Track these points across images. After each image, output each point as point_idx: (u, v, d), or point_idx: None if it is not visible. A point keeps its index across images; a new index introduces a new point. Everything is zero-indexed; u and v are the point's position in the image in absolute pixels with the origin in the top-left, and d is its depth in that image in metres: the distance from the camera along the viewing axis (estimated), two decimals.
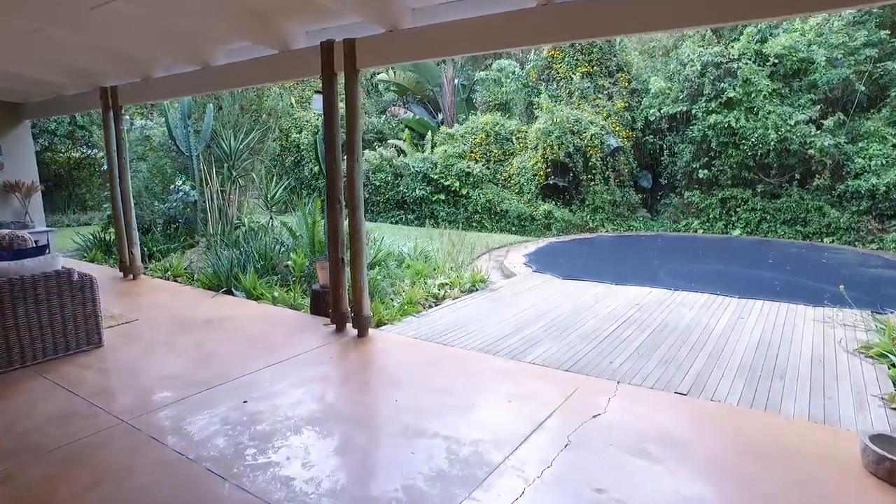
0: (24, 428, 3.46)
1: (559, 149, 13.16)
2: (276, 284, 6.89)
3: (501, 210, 13.41)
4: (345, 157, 4.78)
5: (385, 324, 5.52)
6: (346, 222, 5.03)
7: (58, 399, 3.86)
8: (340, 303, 5.10)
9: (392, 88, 18.09)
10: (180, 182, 9.48)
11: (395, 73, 16.96)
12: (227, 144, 9.53)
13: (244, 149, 9.83)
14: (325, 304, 5.48)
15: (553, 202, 13.54)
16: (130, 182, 7.71)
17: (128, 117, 6.91)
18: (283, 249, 7.77)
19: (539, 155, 13.43)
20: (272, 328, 5.31)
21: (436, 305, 6.31)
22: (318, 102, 5.46)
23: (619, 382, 4.00)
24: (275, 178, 9.88)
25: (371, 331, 5.08)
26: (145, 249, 8.99)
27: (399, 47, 4.33)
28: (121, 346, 4.88)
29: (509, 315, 5.91)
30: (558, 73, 14.54)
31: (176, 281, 7.54)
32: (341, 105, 4.73)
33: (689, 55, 12.99)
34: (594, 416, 3.45)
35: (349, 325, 5.10)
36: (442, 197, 13.92)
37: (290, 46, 4.95)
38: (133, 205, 7.60)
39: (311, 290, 5.90)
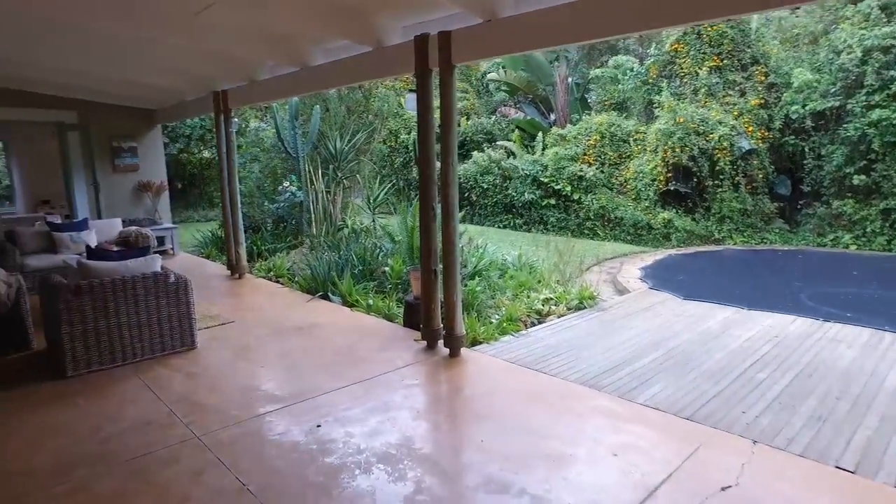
0: (108, 433, 3.42)
1: (682, 151, 11.96)
2: (372, 291, 6.69)
3: (616, 217, 12.47)
4: (440, 160, 4.39)
5: (481, 342, 5.06)
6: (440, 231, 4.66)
7: (144, 403, 3.82)
8: (432, 318, 4.72)
9: (503, 88, 17.63)
10: (287, 183, 9.66)
11: (505, 71, 16.47)
12: (333, 145, 9.58)
13: (350, 150, 9.84)
14: (418, 317, 5.14)
15: (673, 210, 12.36)
16: (239, 183, 7.92)
17: (236, 120, 7.03)
18: (381, 254, 7.59)
19: (659, 158, 12.31)
20: (361, 340, 5.06)
21: (538, 323, 5.75)
22: (412, 102, 5.16)
23: (755, 442, 3.23)
24: (379, 179, 9.79)
25: (464, 351, 4.65)
26: (254, 248, 9.25)
27: (497, 38, 3.86)
28: (212, 350, 4.85)
29: (620, 341, 5.21)
30: (682, 68, 13.25)
31: (277, 282, 7.60)
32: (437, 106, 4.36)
33: (845, 40, 11.25)
34: (723, 489, 2.76)
35: (441, 343, 4.71)
36: (552, 202, 13.23)
37: (384, 43, 4.66)
38: (240, 205, 7.77)
39: (405, 301, 5.60)
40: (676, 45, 13.35)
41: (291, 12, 4.41)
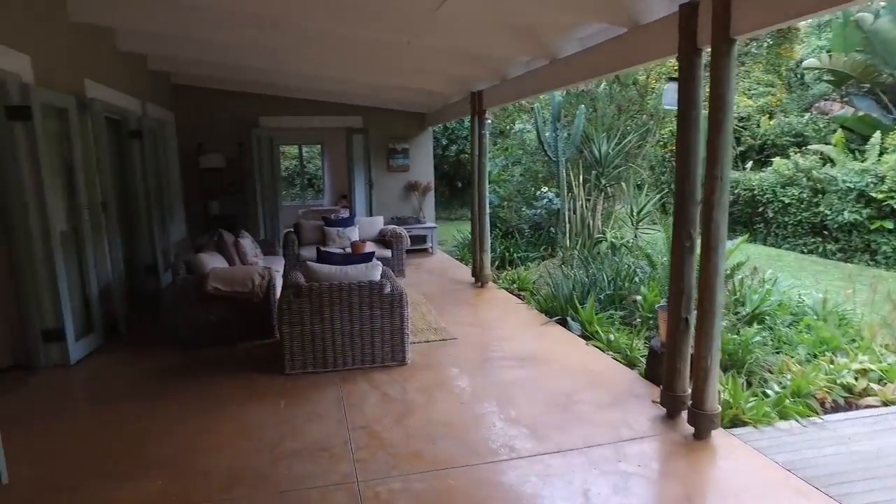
0: (284, 450, 3.25)
1: None
2: (617, 322, 5.65)
3: None
4: (704, 171, 3.19)
5: (745, 423, 3.62)
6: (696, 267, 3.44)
7: (330, 422, 3.60)
8: (676, 380, 3.55)
9: (825, 78, 14.10)
10: (546, 188, 9.05)
11: (830, 56, 13.09)
12: (598, 148, 8.63)
13: (617, 154, 8.76)
14: (662, 369, 3.98)
15: None
16: (498, 187, 7.62)
17: (490, 121, 6.67)
18: (636, 278, 6.43)
19: None
20: (587, 387, 4.13)
21: (845, 409, 3.98)
22: (669, 94, 3.93)
23: None
24: (646, 188, 8.51)
25: (717, 434, 3.36)
26: (506, 254, 8.91)
27: None
28: (419, 370, 4.49)
29: None
30: None
31: (518, 295, 7.06)
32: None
33: None
34: None
35: (685, 415, 3.50)
36: (887, 225, 9.98)
37: (640, 20, 3.62)
38: (488, 210, 7.42)
39: (650, 346, 4.46)
40: None
41: None
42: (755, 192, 11.49)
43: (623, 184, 8.94)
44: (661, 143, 10.88)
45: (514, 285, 7.38)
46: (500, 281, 7.69)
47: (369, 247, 7.80)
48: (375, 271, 4.54)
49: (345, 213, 10.85)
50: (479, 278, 7.39)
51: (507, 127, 9.87)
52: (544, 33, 4.71)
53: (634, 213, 8.29)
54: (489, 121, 6.87)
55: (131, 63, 7.00)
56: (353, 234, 8.02)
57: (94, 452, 3.30)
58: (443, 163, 16.05)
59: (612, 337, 5.17)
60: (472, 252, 7.65)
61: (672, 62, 3.83)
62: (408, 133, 10.23)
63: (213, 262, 5.46)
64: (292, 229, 8.36)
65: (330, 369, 4.40)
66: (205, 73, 8.24)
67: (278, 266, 6.73)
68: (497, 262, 8.83)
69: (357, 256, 4.86)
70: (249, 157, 9.30)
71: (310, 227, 8.22)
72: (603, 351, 4.99)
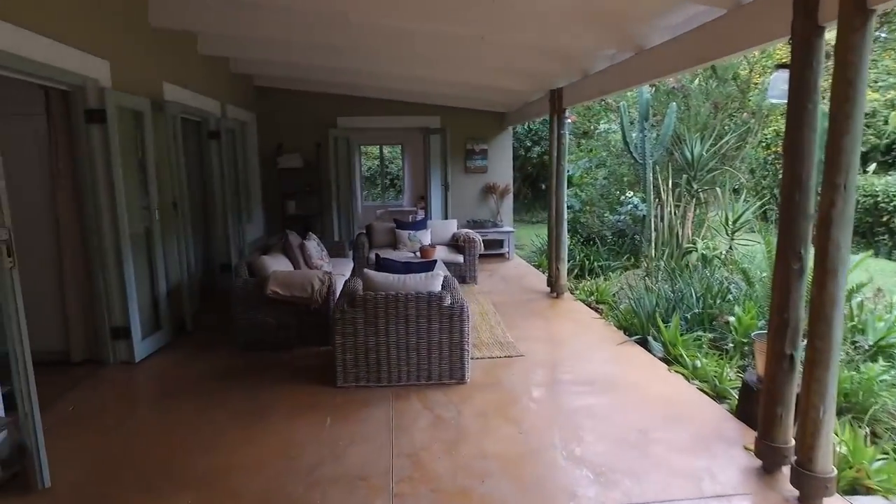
0: (321, 475, 3.02)
1: None
2: (705, 346, 5.01)
3: None
4: (822, 179, 2.61)
5: (870, 491, 2.95)
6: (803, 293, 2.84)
7: (375, 445, 3.33)
8: (775, 429, 2.96)
9: None
10: (631, 193, 8.40)
11: None
12: (690, 150, 7.87)
13: (711, 156, 7.95)
14: (757, 408, 3.38)
15: None
16: (580, 190, 7.12)
17: (569, 121, 6.19)
18: (729, 296, 5.72)
19: None
20: (665, 423, 3.61)
21: None
22: (777, 85, 3.24)
23: None
24: (744, 194, 7.65)
25: (830, 502, 2.75)
26: (585, 262, 8.35)
27: None
28: (479, 391, 4.13)
29: None
30: None
31: (596, 309, 6.52)
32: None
33: None
34: None
35: (786, 472, 2.92)
36: None
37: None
38: (565, 216, 6.92)
39: (744, 379, 3.85)
40: None
41: None
42: (879, 198, 10.14)
43: (718, 189, 8.09)
44: (764, 144, 9.83)
45: (592, 297, 6.84)
46: (578, 292, 7.16)
47: (440, 252, 7.54)
48: (436, 281, 4.24)
49: (421, 215, 10.69)
50: (554, 288, 6.91)
51: (592, 127, 9.25)
52: (630, 22, 4.20)
53: (730, 222, 7.47)
54: (569, 120, 6.39)
55: (212, 66, 7.14)
56: (425, 237, 7.79)
57: (136, 461, 3.22)
58: (526, 164, 15.57)
59: (698, 363, 4.57)
60: (548, 260, 7.18)
61: (780, 47, 3.22)
62: (486, 133, 9.88)
63: (276, 264, 5.38)
64: (364, 231, 8.26)
65: (384, 384, 4.15)
66: (285, 74, 8.33)
67: (346, 270, 6.61)
68: (576, 271, 8.29)
69: (417, 265, 4.57)
70: (326, 157, 9.31)
71: (382, 229, 8.08)
72: (687, 379, 4.41)
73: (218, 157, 7.16)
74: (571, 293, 7.14)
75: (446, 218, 9.57)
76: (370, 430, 3.52)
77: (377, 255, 4.49)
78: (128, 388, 4.40)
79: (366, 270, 4.27)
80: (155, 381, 4.51)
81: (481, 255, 9.28)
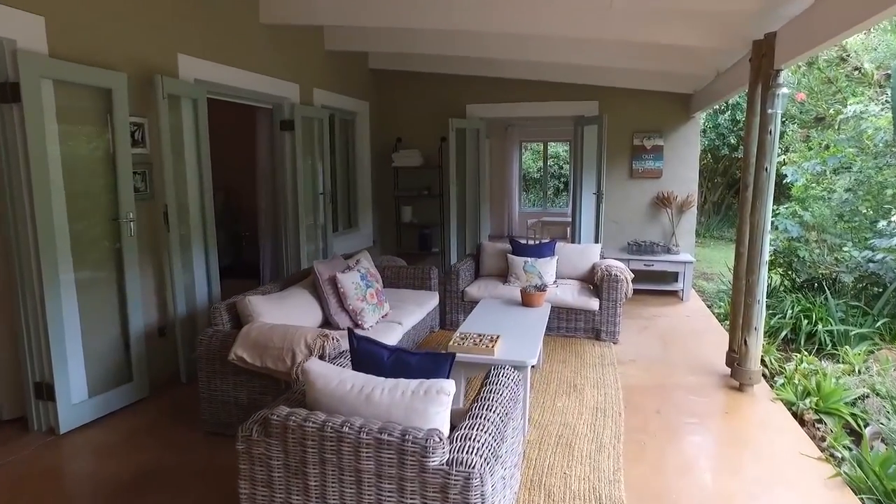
0: None
1: None
2: None
3: None
4: None
5: None
6: None
7: None
8: None
9: None
10: None
11: None
12: None
13: None
14: None
15: None
16: (804, 207, 4.30)
17: (785, 90, 3.45)
18: None
19: None
20: None
21: None
22: None
23: None
24: None
25: None
26: (800, 324, 5.31)
27: None
28: None
29: None
30: None
31: (815, 426, 3.70)
32: None
33: None
34: None
35: None
36: None
37: None
38: (767, 249, 4.11)
39: None
40: None
41: None
42: None
43: None
44: None
45: (808, 402, 3.93)
46: (781, 385, 4.26)
47: (566, 292, 5.24)
48: (435, 404, 2.07)
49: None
50: (737, 374, 4.15)
51: (830, 110, 5.95)
52: None
53: None
54: (785, 91, 3.62)
55: (277, 37, 5.72)
56: (549, 267, 5.51)
57: None
58: (731, 167, 12.06)
59: None
60: (731, 321, 4.42)
61: None
62: (662, 124, 7.16)
63: (282, 307, 3.70)
64: (475, 252, 6.26)
65: None
66: (398, 50, 6.74)
67: (423, 311, 4.76)
68: (783, 333, 5.30)
69: (424, 356, 2.37)
70: (448, 153, 7.45)
71: (494, 252, 5.98)
72: None
73: (291, 152, 5.78)
74: (768, 382, 4.32)
75: (597, 238, 7.09)
76: None
77: (350, 331, 2.42)
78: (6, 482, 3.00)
79: (307, 364, 2.25)
80: (49, 476, 3.04)
81: (643, 292, 6.73)
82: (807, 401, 3.88)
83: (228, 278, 7.36)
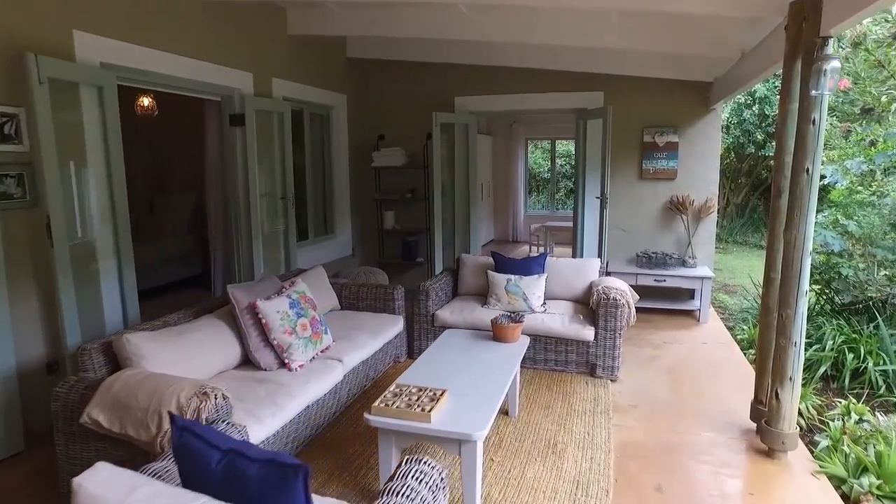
0: None
1: None
2: None
3: None
4: None
5: None
6: None
7: None
8: None
9: None
10: None
11: None
12: None
13: None
14: None
15: None
16: (845, 217, 3.38)
17: (833, 64, 2.52)
18: None
19: None
20: None
21: None
22: None
23: None
24: None
25: None
26: (845, 358, 4.34)
27: None
28: None
29: None
30: None
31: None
32: None
33: None
34: None
35: None
36: None
37: None
38: (808, 273, 3.17)
39: None
40: None
41: None
42: None
43: None
44: None
45: (865, 482, 2.97)
46: (825, 451, 3.30)
47: (555, 320, 4.34)
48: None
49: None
50: (766, 435, 3.19)
51: (883, 98, 4.95)
52: None
53: None
54: (836, 65, 2.66)
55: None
56: (536, 287, 4.62)
57: None
58: (757, 166, 10.99)
59: None
60: (758, 364, 3.48)
61: None
62: (677, 117, 6.21)
63: (186, 344, 2.90)
64: (454, 266, 5.41)
65: None
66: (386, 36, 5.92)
67: (380, 341, 3.90)
68: (821, 371, 4.34)
69: (255, 466, 1.52)
70: (434, 150, 6.59)
71: (474, 266, 5.11)
72: None
73: (242, 150, 5.02)
74: (805, 440, 3.39)
75: (600, 249, 6.18)
76: None
77: (171, 415, 1.63)
78: None
79: (77, 480, 1.43)
80: None
81: (654, 311, 5.85)
82: (864, 480, 2.93)
83: (194, 289, 6.66)
